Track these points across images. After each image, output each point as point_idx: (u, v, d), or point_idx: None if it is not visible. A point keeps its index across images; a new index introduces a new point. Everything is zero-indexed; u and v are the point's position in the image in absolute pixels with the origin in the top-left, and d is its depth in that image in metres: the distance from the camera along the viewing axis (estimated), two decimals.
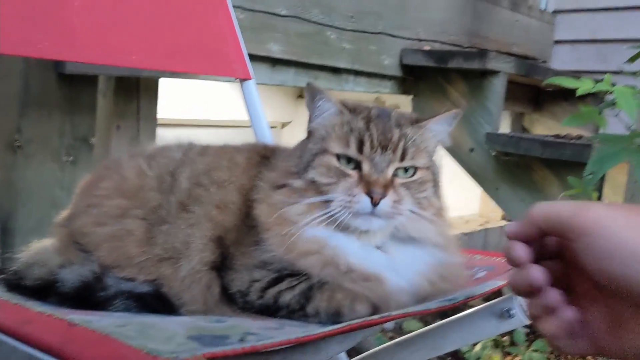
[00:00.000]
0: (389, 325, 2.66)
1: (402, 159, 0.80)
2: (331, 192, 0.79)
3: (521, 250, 0.58)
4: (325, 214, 0.78)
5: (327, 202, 0.79)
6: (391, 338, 2.18)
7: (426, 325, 1.00)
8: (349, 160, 0.80)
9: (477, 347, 2.03)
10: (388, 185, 0.78)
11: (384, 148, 0.79)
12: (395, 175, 0.80)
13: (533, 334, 2.71)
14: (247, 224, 0.84)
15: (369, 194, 0.77)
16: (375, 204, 0.77)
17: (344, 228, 0.79)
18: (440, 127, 0.86)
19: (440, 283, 0.82)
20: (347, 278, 0.77)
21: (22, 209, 1.51)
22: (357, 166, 0.80)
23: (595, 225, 0.53)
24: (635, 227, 0.51)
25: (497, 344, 2.22)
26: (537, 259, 0.59)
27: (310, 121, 0.87)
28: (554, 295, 0.57)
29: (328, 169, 0.80)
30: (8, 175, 1.51)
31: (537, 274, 0.57)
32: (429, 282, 0.82)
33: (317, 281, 0.77)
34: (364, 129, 0.80)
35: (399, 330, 2.36)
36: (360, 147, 0.79)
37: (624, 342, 0.55)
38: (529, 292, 0.58)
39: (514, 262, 0.59)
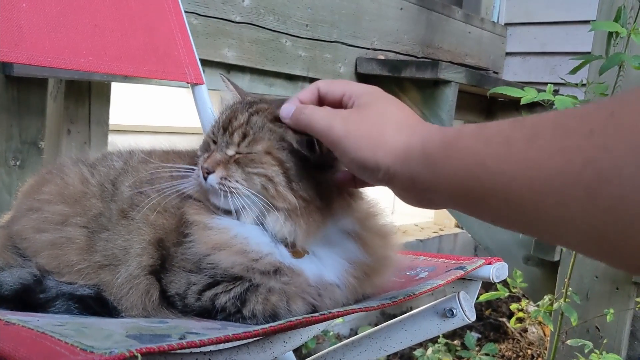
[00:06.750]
0: (345, 331, 2.67)
1: (239, 143, 0.81)
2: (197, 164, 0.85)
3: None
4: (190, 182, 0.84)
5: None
6: None
7: None
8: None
9: (429, 351, 2.06)
10: (220, 163, 0.80)
11: (225, 130, 0.83)
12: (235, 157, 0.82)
13: (485, 338, 2.77)
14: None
15: (202, 168, 0.81)
16: (205, 178, 0.80)
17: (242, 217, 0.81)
18: None
19: (367, 278, 0.83)
20: (257, 269, 0.77)
21: None
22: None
23: (345, 96, 0.75)
24: (390, 102, 0.74)
25: (449, 347, 2.26)
26: None
27: None
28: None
29: (203, 145, 0.87)
30: None
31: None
32: (354, 278, 0.82)
33: (252, 284, 0.77)
34: (221, 113, 0.87)
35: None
36: (212, 130, 0.85)
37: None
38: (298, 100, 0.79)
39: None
